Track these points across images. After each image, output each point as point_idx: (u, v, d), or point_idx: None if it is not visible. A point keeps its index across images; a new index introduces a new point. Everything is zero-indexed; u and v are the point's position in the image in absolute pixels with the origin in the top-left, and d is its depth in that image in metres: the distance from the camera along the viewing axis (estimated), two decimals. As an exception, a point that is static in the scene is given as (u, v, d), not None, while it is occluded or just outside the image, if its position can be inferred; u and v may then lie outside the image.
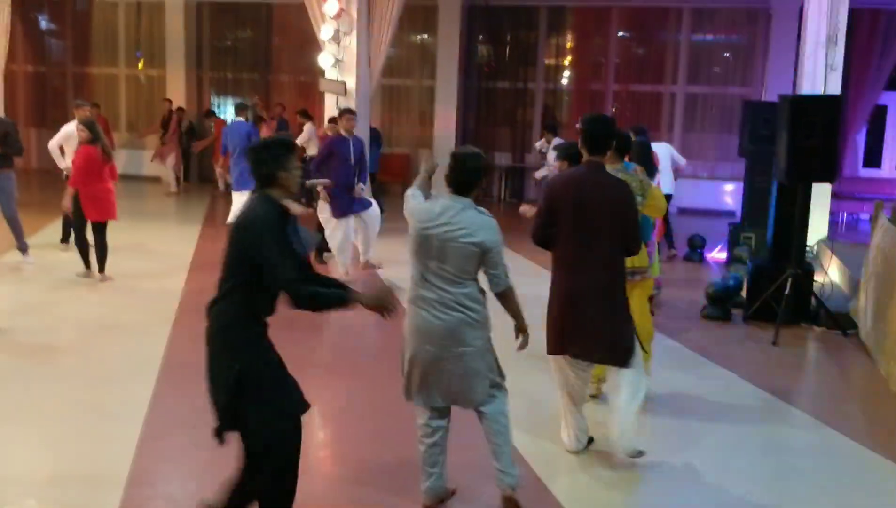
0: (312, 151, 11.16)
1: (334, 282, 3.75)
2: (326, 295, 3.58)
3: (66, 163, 9.95)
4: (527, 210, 4.87)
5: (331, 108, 11.31)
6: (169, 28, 17.72)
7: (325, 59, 11.25)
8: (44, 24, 19.13)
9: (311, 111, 14.43)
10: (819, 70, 9.73)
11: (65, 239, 10.20)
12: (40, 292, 8.40)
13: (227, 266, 3.53)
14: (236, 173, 10.12)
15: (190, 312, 7.82)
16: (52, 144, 10.03)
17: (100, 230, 8.70)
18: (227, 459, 4.71)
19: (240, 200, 11.52)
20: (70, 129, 9.97)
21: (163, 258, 10.15)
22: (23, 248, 9.24)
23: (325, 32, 11.20)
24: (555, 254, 4.64)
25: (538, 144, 13.05)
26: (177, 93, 17.47)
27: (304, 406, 3.62)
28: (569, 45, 17.25)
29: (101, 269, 8.76)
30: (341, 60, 11.25)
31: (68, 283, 8.71)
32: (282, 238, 3.45)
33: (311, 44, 13.15)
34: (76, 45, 18.68)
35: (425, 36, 17.38)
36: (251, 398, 3.48)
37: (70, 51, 18.81)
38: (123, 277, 8.95)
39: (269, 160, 3.53)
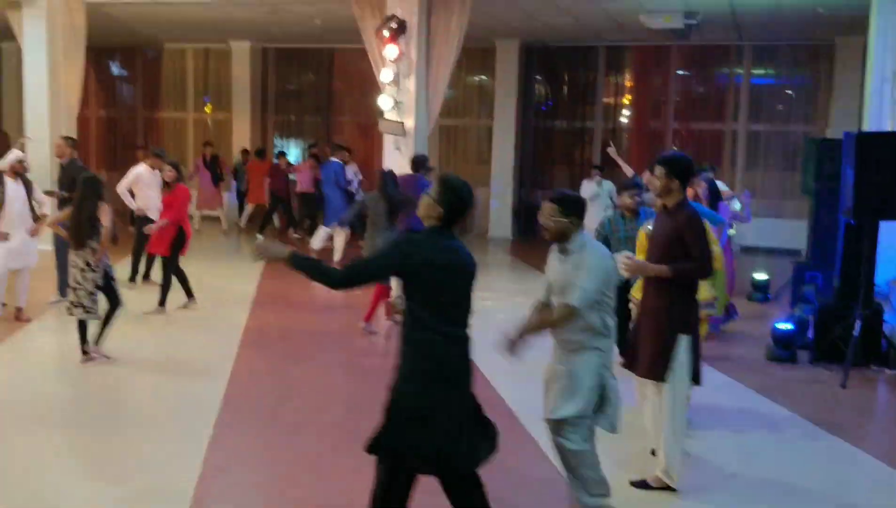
0: None
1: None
2: None
3: (136, 205, 10.28)
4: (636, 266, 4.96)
5: (389, 148, 11.47)
6: (235, 73, 18.24)
7: (384, 101, 11.42)
8: (116, 70, 19.86)
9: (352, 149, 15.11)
10: (885, 106, 9.50)
11: (133, 278, 10.47)
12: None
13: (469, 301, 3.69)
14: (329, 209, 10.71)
15: (251, 347, 7.96)
16: (122, 187, 10.36)
17: (172, 264, 9.14)
18: (283, 498, 4.75)
19: (332, 234, 12.20)
20: (138, 171, 10.34)
21: (225, 295, 10.33)
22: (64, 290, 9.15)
23: (385, 75, 11.38)
24: (688, 285, 4.79)
25: (592, 184, 13.07)
26: (242, 135, 17.93)
27: None
28: (627, 83, 17.23)
29: (190, 295, 9.36)
30: (400, 102, 11.40)
31: (134, 319, 8.92)
32: None
33: (370, 86, 13.38)
34: (146, 91, 19.39)
35: (483, 77, 17.55)
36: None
37: (140, 96, 19.51)
38: (187, 313, 9.16)
39: (467, 201, 3.67)
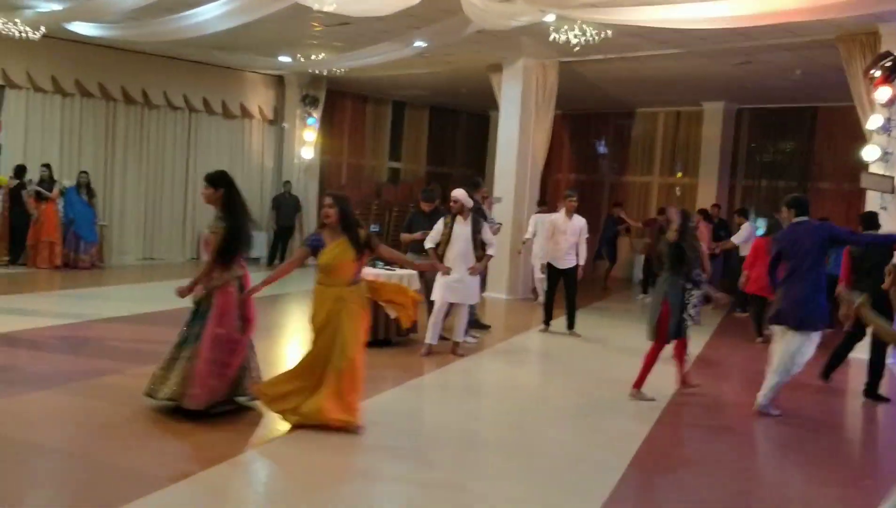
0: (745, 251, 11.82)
1: None
2: None
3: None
4: None
5: (875, 207, 9.65)
6: (705, 136, 17.49)
7: (870, 152, 9.72)
8: (588, 137, 20.34)
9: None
10: None
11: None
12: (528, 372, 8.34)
13: None
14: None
15: (678, 412, 7.01)
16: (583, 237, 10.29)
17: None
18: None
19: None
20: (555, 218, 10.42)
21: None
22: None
23: (872, 122, 9.72)
24: None
25: None
26: (707, 201, 17.00)
27: None
28: None
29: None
30: (890, 154, 9.60)
31: (553, 362, 8.56)
32: None
33: (856, 149, 11.61)
34: (615, 156, 19.55)
35: None
36: None
37: (610, 162, 19.74)
38: (605, 368, 8.53)
39: None
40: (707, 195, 17.19)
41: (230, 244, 5.85)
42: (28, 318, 9.34)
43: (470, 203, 8.59)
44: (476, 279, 8.63)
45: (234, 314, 5.86)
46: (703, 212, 14.98)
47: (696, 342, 10.05)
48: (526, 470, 5.33)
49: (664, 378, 8.22)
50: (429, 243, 8.55)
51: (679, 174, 18.59)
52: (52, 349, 8.15)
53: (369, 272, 8.83)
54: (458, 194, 8.56)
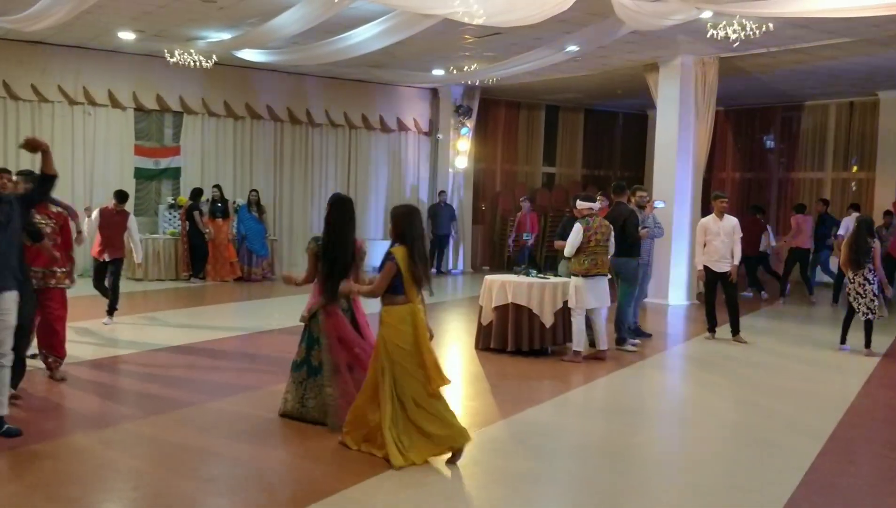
0: None
1: None
2: None
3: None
4: None
5: None
6: (883, 127, 16.34)
7: None
8: (754, 132, 19.47)
9: None
10: None
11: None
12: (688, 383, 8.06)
13: None
14: None
15: (854, 427, 6.57)
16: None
17: None
18: None
19: None
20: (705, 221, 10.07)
21: (826, 368, 8.92)
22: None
23: None
24: None
25: None
26: (886, 196, 15.88)
27: None
28: None
29: None
30: None
31: (722, 373, 8.23)
32: None
33: None
34: (784, 153, 18.59)
35: None
36: None
37: (777, 158, 18.80)
38: (780, 377, 8.09)
39: None
40: (886, 190, 16.06)
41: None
42: (207, 329, 9.97)
43: (585, 207, 8.63)
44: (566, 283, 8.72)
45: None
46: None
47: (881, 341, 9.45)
48: (689, 489, 5.13)
49: (840, 386, 7.76)
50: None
51: (854, 169, 17.46)
52: (228, 359, 8.64)
53: (522, 281, 8.80)
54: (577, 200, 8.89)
